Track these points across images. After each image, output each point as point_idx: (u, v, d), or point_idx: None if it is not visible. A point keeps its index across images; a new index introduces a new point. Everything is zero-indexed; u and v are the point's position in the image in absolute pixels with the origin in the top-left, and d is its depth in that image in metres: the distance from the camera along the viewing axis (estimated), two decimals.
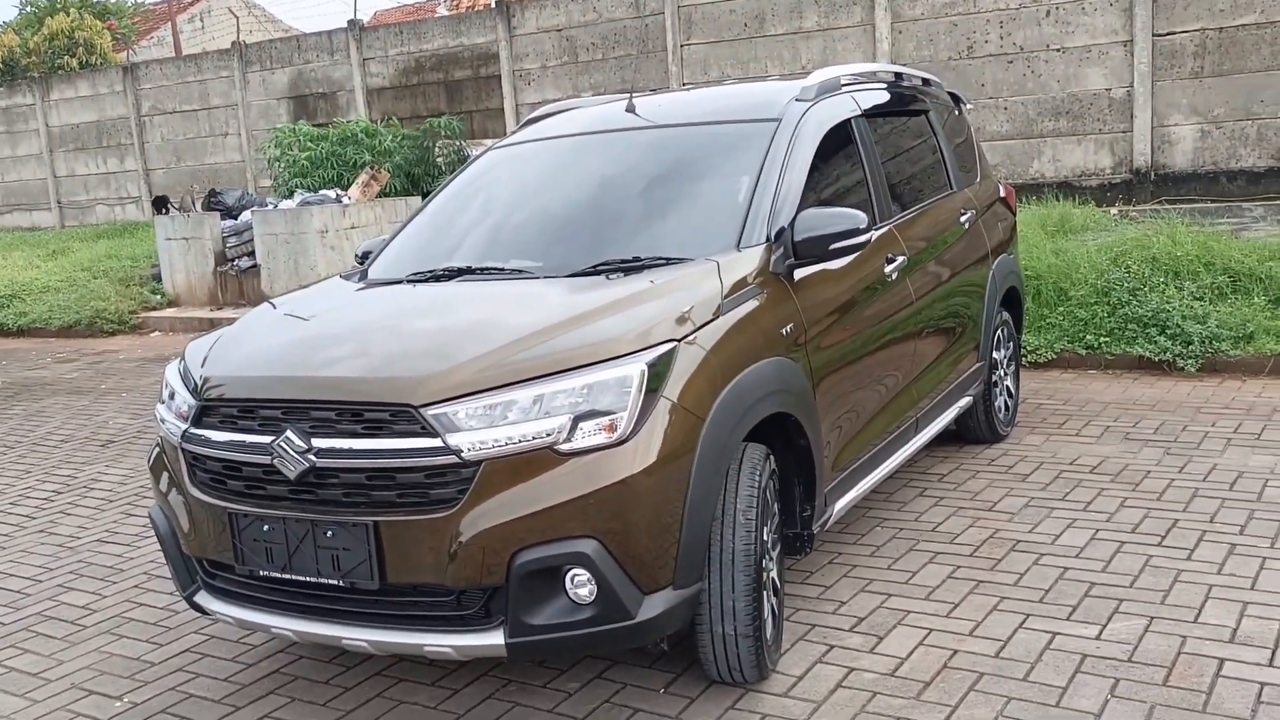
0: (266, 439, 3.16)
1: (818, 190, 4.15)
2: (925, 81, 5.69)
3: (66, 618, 4.49)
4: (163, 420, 3.57)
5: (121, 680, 3.89)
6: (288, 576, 3.19)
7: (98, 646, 4.18)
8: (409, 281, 3.98)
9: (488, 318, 3.40)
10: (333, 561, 3.10)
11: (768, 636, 3.40)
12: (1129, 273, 7.57)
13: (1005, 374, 5.89)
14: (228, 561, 3.32)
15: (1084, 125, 11.68)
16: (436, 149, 14.99)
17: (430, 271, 3.99)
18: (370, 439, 3.04)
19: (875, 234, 4.33)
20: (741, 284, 3.52)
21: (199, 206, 14.14)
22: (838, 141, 4.40)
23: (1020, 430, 5.98)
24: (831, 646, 3.66)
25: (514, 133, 4.91)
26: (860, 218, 3.77)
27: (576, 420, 2.94)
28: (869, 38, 12.52)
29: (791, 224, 3.78)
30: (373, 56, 16.22)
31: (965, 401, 5.30)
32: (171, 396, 3.56)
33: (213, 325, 12.32)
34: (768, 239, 3.74)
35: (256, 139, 17.33)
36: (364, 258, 4.62)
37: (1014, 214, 6.25)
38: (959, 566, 4.22)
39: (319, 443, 3.08)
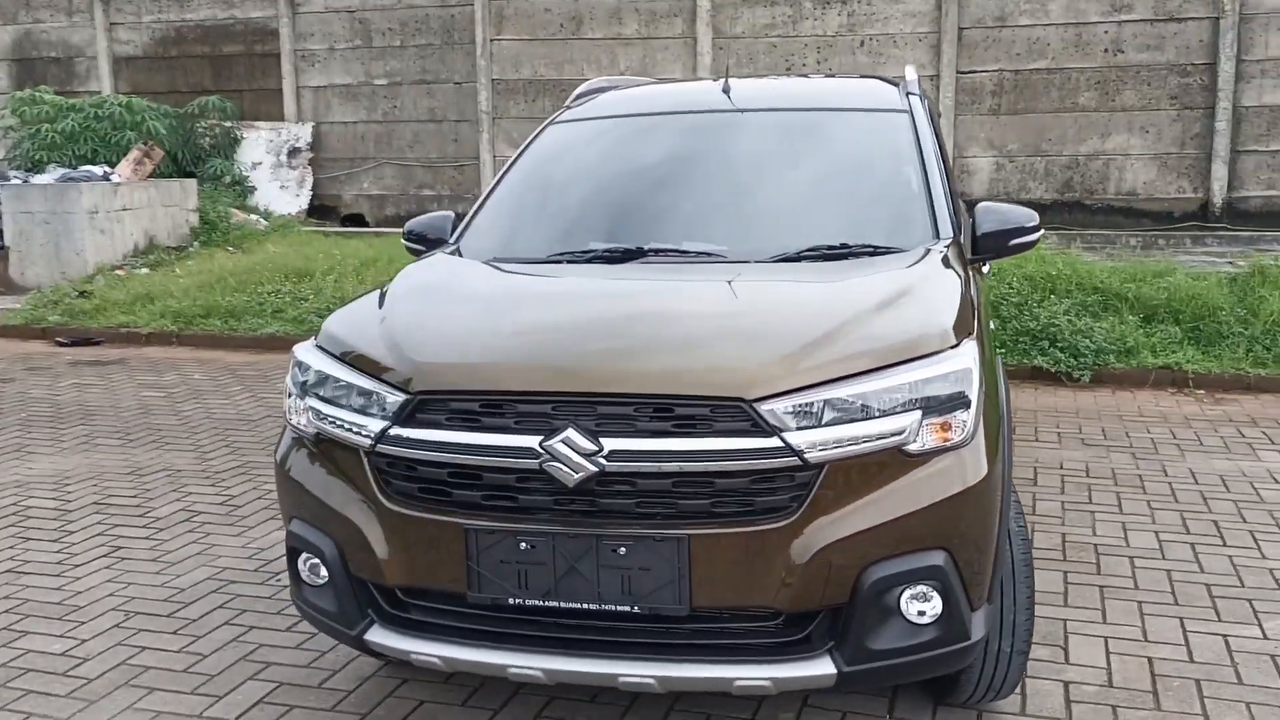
0: (531, 439, 2.61)
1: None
2: None
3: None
4: (325, 419, 2.87)
5: None
6: (551, 604, 2.65)
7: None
8: (565, 261, 3.49)
9: (768, 305, 3.00)
10: (622, 584, 2.60)
11: None
12: (1011, 288, 7.99)
13: None
14: (454, 589, 2.72)
15: None
16: (202, 130, 13.70)
17: (588, 252, 3.51)
18: (680, 438, 2.57)
19: None
20: (967, 276, 3.33)
21: None
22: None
23: None
24: None
25: (573, 107, 4.42)
26: (1034, 215, 3.68)
27: (923, 418, 2.63)
28: (689, 51, 12.59)
29: (971, 218, 3.64)
30: (122, 22, 14.50)
31: None
32: (343, 391, 2.87)
33: None
34: (955, 231, 3.57)
35: None
36: (419, 238, 4.02)
37: None
38: (1067, 571, 4.20)
39: (610, 443, 2.57)
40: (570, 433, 2.58)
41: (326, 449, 2.90)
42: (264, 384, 7.70)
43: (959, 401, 2.67)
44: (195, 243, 11.98)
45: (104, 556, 4.53)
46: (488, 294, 3.30)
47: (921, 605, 2.64)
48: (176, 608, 4.03)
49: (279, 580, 4.26)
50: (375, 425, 2.76)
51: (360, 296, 3.45)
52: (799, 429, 2.56)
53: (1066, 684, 3.37)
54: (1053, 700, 3.28)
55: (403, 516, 2.73)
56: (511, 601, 2.67)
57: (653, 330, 2.85)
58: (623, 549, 2.59)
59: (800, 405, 2.57)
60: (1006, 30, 11.77)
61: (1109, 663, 3.50)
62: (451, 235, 3.96)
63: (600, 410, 2.60)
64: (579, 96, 4.55)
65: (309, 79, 13.90)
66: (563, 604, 2.64)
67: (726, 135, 4.00)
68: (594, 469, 2.56)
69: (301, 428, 2.98)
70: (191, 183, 12.27)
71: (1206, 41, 11.27)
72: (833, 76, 4.22)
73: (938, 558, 2.62)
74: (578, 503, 2.61)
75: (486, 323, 3.01)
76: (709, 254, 3.44)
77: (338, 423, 2.84)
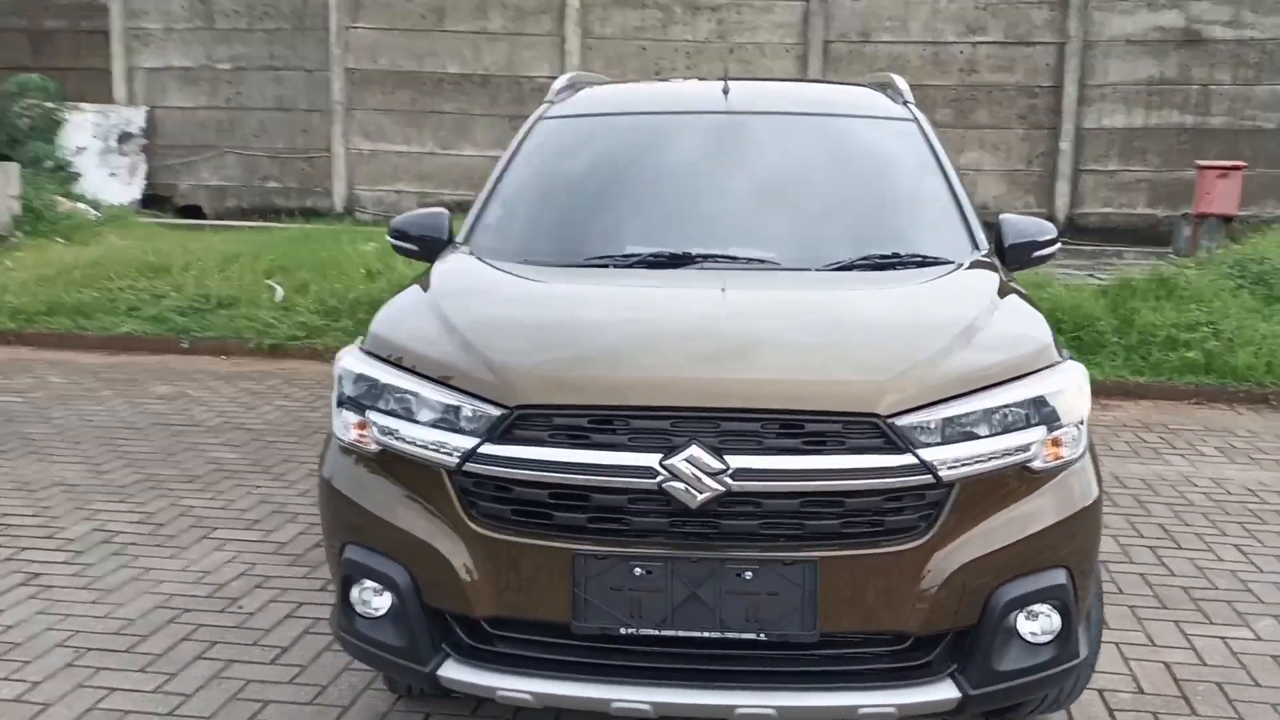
0: (649, 457, 2.42)
1: None
2: None
3: None
4: (392, 434, 2.59)
5: None
6: (666, 634, 2.47)
7: None
8: (611, 266, 3.28)
9: (874, 318, 2.90)
10: (747, 611, 2.44)
11: None
12: None
13: None
14: (556, 619, 2.50)
15: None
16: (19, 110, 12.59)
17: (629, 256, 3.31)
18: (810, 456, 2.44)
19: None
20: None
21: None
22: None
23: None
24: None
25: (558, 103, 4.16)
26: (1052, 227, 3.72)
27: (1045, 434, 2.59)
28: (558, 50, 12.40)
29: (997, 229, 3.65)
30: None
31: None
32: (413, 403, 2.59)
33: None
34: (989, 243, 3.57)
35: None
36: (404, 235, 3.70)
37: None
38: None
39: (736, 461, 2.41)
40: (694, 450, 2.40)
41: (391, 466, 2.63)
42: (134, 387, 7.06)
43: (1073, 417, 2.64)
44: (19, 232, 10.95)
45: (23, 585, 4.03)
46: (559, 299, 3.06)
47: (1035, 625, 2.60)
48: (133, 641, 3.61)
49: (241, 608, 3.88)
50: (462, 442, 2.51)
51: (397, 296, 3.15)
52: (930, 445, 2.47)
53: (1101, 692, 3.41)
54: (1095, 709, 3.31)
55: (495, 541, 2.50)
56: (623, 631, 2.48)
57: (772, 343, 2.70)
58: (749, 573, 2.44)
59: (931, 421, 2.48)
60: (870, 46, 12.09)
61: (1131, 669, 3.56)
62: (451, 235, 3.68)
63: (724, 426, 2.44)
64: (560, 92, 4.32)
65: (143, 60, 12.96)
66: (680, 633, 2.47)
67: (742, 138, 3.85)
68: (720, 489, 2.40)
69: (356, 443, 2.69)
70: (14, 166, 11.22)
71: (1053, 65, 11.89)
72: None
73: (1061, 576, 2.59)
74: (693, 524, 2.45)
75: (579, 332, 2.79)
76: (761, 261, 3.31)
77: (409, 439, 2.57)
